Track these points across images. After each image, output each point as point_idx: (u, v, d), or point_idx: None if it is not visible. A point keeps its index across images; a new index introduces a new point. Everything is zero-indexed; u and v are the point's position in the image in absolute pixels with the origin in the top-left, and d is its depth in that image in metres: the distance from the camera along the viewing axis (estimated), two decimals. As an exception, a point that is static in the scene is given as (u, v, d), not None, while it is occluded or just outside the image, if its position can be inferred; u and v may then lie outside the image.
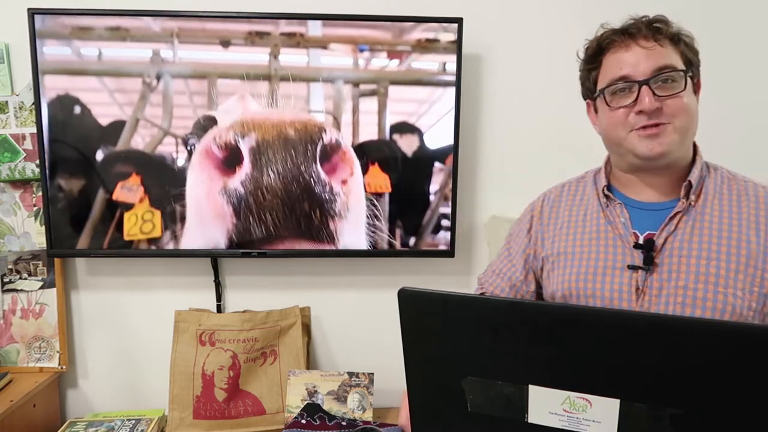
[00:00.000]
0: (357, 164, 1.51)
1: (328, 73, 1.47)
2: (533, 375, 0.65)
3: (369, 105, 1.50)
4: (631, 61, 0.91)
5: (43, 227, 1.51)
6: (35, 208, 1.54)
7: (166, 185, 1.49)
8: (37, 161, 1.48)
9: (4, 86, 1.49)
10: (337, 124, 1.50)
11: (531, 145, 1.59)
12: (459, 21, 1.45)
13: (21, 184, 1.53)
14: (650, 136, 0.90)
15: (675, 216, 0.94)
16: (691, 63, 0.94)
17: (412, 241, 1.55)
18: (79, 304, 1.61)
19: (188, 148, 1.48)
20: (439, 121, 1.51)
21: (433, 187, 1.53)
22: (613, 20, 0.98)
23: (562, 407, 0.64)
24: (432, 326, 0.70)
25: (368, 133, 1.50)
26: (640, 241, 0.95)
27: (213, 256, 1.57)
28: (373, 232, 1.55)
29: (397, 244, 1.55)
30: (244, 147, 1.46)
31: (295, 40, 1.46)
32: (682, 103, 0.90)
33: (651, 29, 0.91)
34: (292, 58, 1.46)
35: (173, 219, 1.50)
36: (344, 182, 1.51)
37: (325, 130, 1.48)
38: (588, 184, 1.07)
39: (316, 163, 1.47)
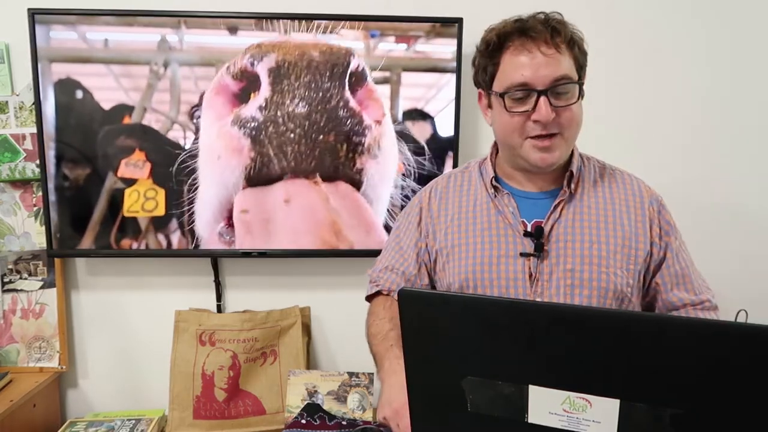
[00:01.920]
0: (387, 107, 1.42)
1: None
2: (533, 375, 0.65)
3: (381, 92, 1.46)
4: (532, 67, 0.93)
5: (43, 227, 1.51)
6: (35, 208, 1.54)
7: (172, 163, 1.44)
8: (37, 161, 1.48)
9: (4, 86, 1.49)
10: None
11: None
12: (459, 21, 1.45)
13: (21, 184, 1.53)
14: (543, 148, 0.95)
15: (559, 204, 1.01)
16: (581, 67, 0.98)
17: None
18: (79, 304, 1.61)
19: (194, 120, 1.44)
20: (448, 106, 1.50)
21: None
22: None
23: (562, 407, 0.64)
24: (432, 326, 0.70)
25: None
26: (529, 229, 1.01)
27: (213, 256, 1.57)
28: (404, 187, 1.45)
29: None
30: (262, 69, 1.33)
31: (305, 26, 1.42)
32: (573, 115, 0.95)
33: (551, 31, 0.93)
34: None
35: (179, 196, 1.45)
36: (378, 122, 1.40)
37: (352, 55, 1.35)
38: (473, 174, 1.11)
39: (344, 88, 1.34)
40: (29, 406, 1.45)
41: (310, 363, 1.63)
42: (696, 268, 1.07)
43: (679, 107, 1.59)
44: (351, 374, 1.47)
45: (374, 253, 1.55)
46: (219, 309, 1.62)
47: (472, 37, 1.49)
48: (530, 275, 0.99)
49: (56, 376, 1.57)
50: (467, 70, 1.52)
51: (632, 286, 0.99)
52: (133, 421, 1.46)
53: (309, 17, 1.43)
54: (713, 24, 1.56)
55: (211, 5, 1.46)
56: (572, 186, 1.02)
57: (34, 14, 1.39)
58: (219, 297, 1.62)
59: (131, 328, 1.63)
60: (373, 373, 1.47)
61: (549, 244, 0.99)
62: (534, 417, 0.65)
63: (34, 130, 1.47)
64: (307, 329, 1.62)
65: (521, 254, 0.99)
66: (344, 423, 1.37)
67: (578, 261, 0.98)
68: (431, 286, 1.13)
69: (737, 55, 1.58)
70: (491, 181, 1.05)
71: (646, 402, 0.60)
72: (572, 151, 1.03)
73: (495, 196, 1.04)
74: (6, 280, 1.56)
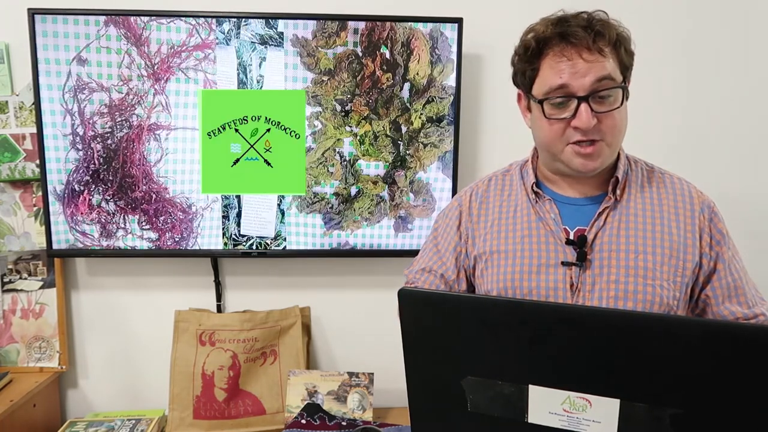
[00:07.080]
0: None
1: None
2: (533, 375, 0.65)
3: None
4: (572, 72, 0.88)
5: (43, 227, 1.51)
6: (35, 208, 1.54)
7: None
8: (37, 161, 1.48)
9: (4, 86, 1.49)
10: None
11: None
12: (459, 21, 1.45)
13: (21, 184, 1.53)
14: (586, 155, 0.92)
15: (603, 211, 0.97)
16: (627, 68, 0.94)
17: None
18: (79, 304, 1.61)
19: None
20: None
21: None
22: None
23: (562, 407, 0.64)
24: (432, 326, 0.70)
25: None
26: (571, 237, 0.97)
27: (213, 256, 1.57)
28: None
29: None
30: None
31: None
32: (615, 121, 0.91)
33: (593, 35, 0.88)
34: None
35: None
36: None
37: None
38: (515, 177, 1.07)
39: None
40: (29, 406, 1.45)
41: (310, 363, 1.63)
42: (750, 279, 1.01)
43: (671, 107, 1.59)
44: (351, 374, 1.47)
45: (373, 253, 1.56)
46: (219, 309, 1.62)
47: (473, 37, 1.50)
48: (572, 285, 0.95)
49: (56, 376, 1.57)
50: (467, 70, 1.53)
51: (678, 299, 0.95)
52: (133, 421, 1.46)
53: (306, 17, 1.44)
54: (703, 24, 1.56)
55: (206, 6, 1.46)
56: (617, 192, 0.97)
57: (34, 14, 1.39)
58: (219, 297, 1.62)
59: (131, 328, 1.63)
60: (372, 373, 1.47)
61: (592, 253, 0.95)
62: (534, 417, 0.65)
63: (34, 130, 1.47)
64: (307, 329, 1.62)
65: (563, 263, 0.96)
66: (344, 423, 1.37)
67: (623, 272, 0.94)
68: (471, 291, 1.10)
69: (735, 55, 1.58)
70: (532, 186, 1.01)
71: (646, 402, 0.60)
72: (618, 154, 0.99)
73: (536, 201, 1.01)
74: (6, 280, 1.56)
